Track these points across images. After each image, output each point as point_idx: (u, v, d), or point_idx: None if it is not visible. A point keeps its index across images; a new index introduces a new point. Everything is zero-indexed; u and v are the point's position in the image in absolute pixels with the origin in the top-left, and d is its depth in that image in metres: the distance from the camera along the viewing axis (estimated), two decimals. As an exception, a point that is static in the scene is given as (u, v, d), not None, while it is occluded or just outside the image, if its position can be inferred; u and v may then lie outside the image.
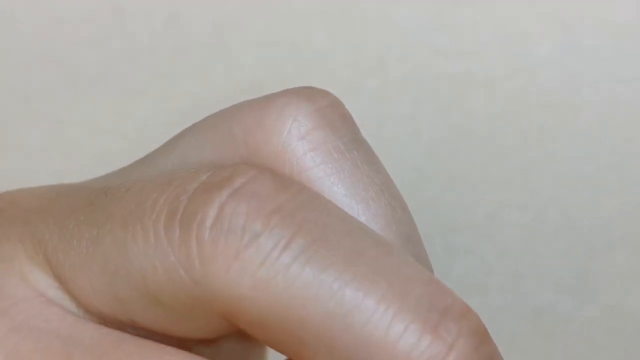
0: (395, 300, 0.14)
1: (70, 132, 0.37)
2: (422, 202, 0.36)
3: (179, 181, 0.15)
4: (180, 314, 0.15)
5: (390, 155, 0.36)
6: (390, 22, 0.35)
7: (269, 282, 0.14)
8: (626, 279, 0.36)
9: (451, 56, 0.35)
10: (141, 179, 0.16)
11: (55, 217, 0.17)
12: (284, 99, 0.17)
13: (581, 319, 0.36)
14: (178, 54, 0.36)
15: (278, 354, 0.16)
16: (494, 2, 0.35)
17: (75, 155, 0.37)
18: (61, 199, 0.17)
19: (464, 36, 0.35)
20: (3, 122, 0.37)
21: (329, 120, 0.16)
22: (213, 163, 0.17)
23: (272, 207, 0.15)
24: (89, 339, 0.15)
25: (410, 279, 0.14)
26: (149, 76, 0.37)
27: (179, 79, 0.36)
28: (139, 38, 0.36)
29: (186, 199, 0.15)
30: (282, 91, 0.17)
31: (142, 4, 0.36)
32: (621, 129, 0.35)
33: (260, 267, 0.14)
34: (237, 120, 0.17)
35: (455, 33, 0.35)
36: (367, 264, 0.14)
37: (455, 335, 0.14)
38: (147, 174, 0.17)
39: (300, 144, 0.16)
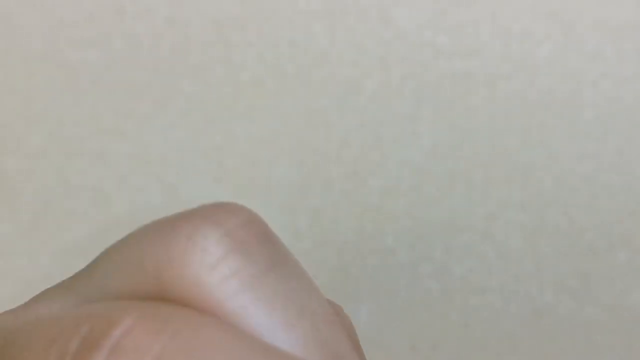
0: None
1: (70, 132, 0.37)
2: (422, 202, 0.36)
3: (63, 335, 0.15)
4: None
5: (390, 155, 0.36)
6: (390, 22, 0.35)
7: None
8: (626, 279, 0.36)
9: (451, 56, 0.35)
10: (32, 327, 0.16)
11: None
12: (191, 225, 0.16)
13: (581, 319, 0.36)
14: (178, 54, 0.36)
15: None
16: (494, 3, 0.35)
17: (75, 155, 0.37)
18: None
19: (464, 36, 0.35)
20: (3, 122, 0.37)
21: (241, 244, 0.16)
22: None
23: (151, 358, 0.14)
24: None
25: None
26: (149, 76, 0.37)
27: (179, 79, 0.36)
28: (139, 38, 0.36)
29: None
30: (190, 214, 0.16)
31: (142, 4, 0.36)
32: (621, 129, 0.35)
33: None
34: (147, 253, 0.17)
35: (456, 33, 0.35)
36: None
37: None
38: (37, 318, 0.17)
39: (212, 276, 0.16)
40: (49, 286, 0.18)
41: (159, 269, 0.16)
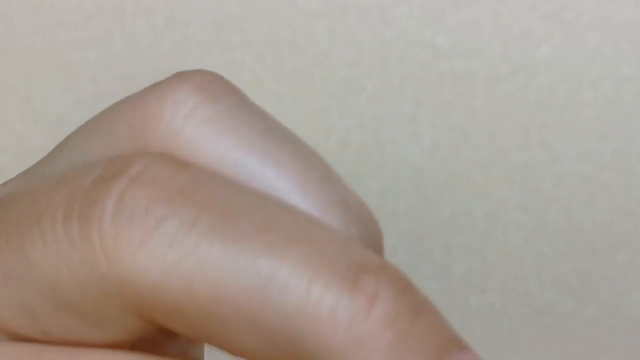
0: (311, 263, 0.13)
1: (70, 131, 0.37)
2: (422, 202, 0.36)
3: (72, 179, 0.15)
4: (92, 316, 0.15)
5: (391, 155, 0.36)
6: (390, 22, 0.35)
7: (179, 264, 0.14)
8: (626, 279, 0.36)
9: (451, 56, 0.35)
10: (31, 184, 0.16)
11: None
12: (161, 86, 0.16)
13: (581, 319, 0.36)
14: (178, 54, 0.36)
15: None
16: (495, 3, 0.35)
17: (75, 155, 0.37)
18: None
19: (464, 36, 0.35)
20: (3, 122, 0.37)
21: (210, 93, 0.16)
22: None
23: (173, 189, 0.14)
24: (5, 358, 0.15)
25: (323, 242, 0.14)
26: (149, 76, 0.37)
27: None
28: (139, 38, 0.36)
29: (82, 194, 0.14)
30: (159, 81, 0.16)
31: (142, 3, 0.36)
32: (621, 129, 0.35)
33: (169, 250, 0.14)
34: (118, 118, 0.16)
35: (456, 33, 0.35)
36: (277, 232, 0.14)
37: (376, 287, 0.13)
38: (34, 179, 0.17)
39: (185, 123, 0.15)
40: None
41: (132, 128, 0.16)
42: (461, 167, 0.36)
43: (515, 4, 0.34)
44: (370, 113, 0.36)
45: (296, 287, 0.13)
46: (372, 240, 0.16)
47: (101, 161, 0.15)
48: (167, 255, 0.14)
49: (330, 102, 0.36)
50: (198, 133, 0.15)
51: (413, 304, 0.14)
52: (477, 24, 0.35)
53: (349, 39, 0.35)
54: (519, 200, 0.36)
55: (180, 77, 0.16)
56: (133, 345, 0.15)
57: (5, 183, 0.17)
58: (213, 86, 0.16)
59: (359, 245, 0.14)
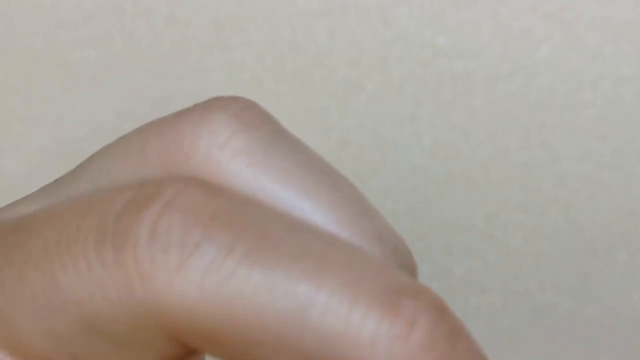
0: (349, 289, 0.14)
1: (69, 132, 0.37)
2: (423, 202, 0.36)
3: (101, 202, 0.15)
4: (123, 340, 0.15)
5: (390, 155, 0.36)
6: (390, 22, 0.35)
7: (217, 290, 0.14)
8: (626, 279, 0.36)
9: (451, 56, 0.35)
10: (56, 207, 0.16)
11: None
12: (195, 115, 0.16)
13: (581, 319, 0.36)
14: (178, 54, 0.36)
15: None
16: (495, 3, 0.35)
17: (75, 155, 0.37)
18: None
19: (465, 36, 0.35)
20: (3, 122, 0.37)
21: (245, 123, 0.16)
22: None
23: (208, 214, 0.14)
24: None
25: (361, 265, 0.14)
26: (149, 76, 0.37)
27: (179, 79, 0.36)
28: (139, 38, 0.36)
29: (114, 219, 0.14)
30: (192, 107, 0.16)
31: (142, 4, 0.36)
32: (621, 129, 0.35)
33: (206, 276, 0.14)
34: (150, 144, 0.16)
35: (456, 33, 0.35)
36: (315, 257, 0.14)
37: (414, 312, 0.14)
38: (59, 202, 0.17)
39: (221, 154, 0.15)
40: None
41: (164, 155, 0.16)
42: (461, 167, 0.36)
43: (515, 4, 0.34)
44: (370, 113, 0.36)
45: (336, 312, 0.13)
46: (407, 271, 0.16)
47: (131, 184, 0.15)
48: (205, 281, 0.14)
49: (330, 102, 0.36)
50: (234, 165, 0.15)
51: (450, 328, 0.14)
52: (477, 24, 0.35)
53: (349, 39, 0.35)
54: (519, 200, 0.36)
55: (216, 105, 0.16)
56: None
57: (24, 200, 0.17)
58: (248, 115, 0.16)
59: (395, 268, 0.14)
